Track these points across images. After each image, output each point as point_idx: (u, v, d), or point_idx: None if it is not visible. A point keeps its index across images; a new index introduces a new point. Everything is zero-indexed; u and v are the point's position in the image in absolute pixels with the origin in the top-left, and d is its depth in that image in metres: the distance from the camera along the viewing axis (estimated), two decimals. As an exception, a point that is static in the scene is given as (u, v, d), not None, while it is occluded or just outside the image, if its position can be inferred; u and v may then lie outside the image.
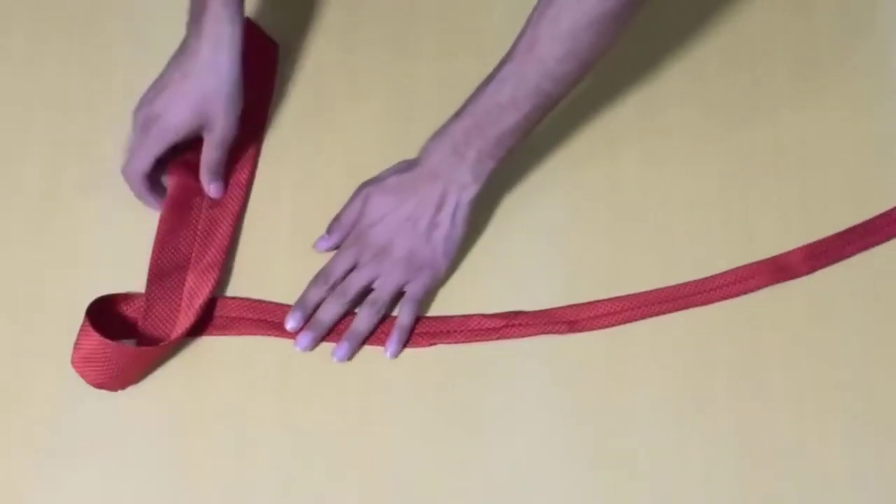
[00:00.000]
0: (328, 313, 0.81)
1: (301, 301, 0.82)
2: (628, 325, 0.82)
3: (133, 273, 0.82)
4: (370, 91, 0.91)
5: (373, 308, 0.81)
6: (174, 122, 0.81)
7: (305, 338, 0.81)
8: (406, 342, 0.81)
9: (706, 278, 0.83)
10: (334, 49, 0.92)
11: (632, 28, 0.77)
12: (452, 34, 0.93)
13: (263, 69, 0.90)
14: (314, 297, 0.81)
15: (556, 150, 0.88)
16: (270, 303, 0.82)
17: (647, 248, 0.85)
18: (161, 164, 0.84)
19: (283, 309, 0.82)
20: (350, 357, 0.80)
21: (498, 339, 0.81)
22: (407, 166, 0.83)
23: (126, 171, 0.84)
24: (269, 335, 0.81)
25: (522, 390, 0.80)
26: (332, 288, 0.82)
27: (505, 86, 0.78)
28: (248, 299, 0.82)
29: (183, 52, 0.82)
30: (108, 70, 0.91)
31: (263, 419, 0.79)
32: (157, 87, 0.83)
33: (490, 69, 0.79)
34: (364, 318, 0.81)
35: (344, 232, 0.83)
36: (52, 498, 0.77)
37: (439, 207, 0.81)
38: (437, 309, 0.83)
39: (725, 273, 0.83)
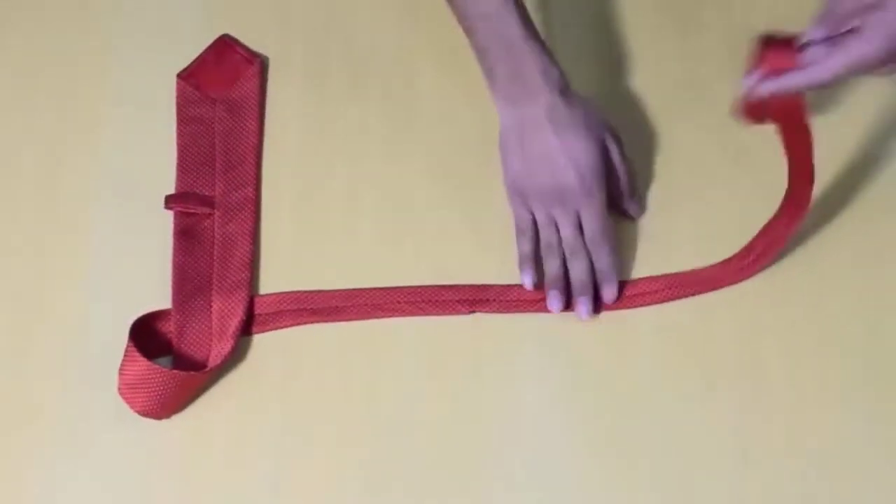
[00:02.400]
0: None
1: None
2: (664, 306, 0.81)
3: (135, 276, 0.83)
4: (370, 92, 0.89)
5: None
6: None
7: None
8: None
9: (733, 258, 0.81)
10: (333, 52, 0.91)
11: None
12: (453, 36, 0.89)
13: (246, 84, 0.89)
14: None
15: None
16: (304, 291, 0.82)
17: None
18: None
19: (318, 295, 0.82)
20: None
21: (536, 311, 0.81)
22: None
23: None
24: (310, 322, 0.81)
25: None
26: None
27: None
28: (282, 293, 0.82)
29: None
30: (109, 70, 0.90)
31: (265, 409, 0.79)
32: None
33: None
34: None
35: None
36: (53, 498, 0.77)
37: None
38: (476, 278, 0.82)
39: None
